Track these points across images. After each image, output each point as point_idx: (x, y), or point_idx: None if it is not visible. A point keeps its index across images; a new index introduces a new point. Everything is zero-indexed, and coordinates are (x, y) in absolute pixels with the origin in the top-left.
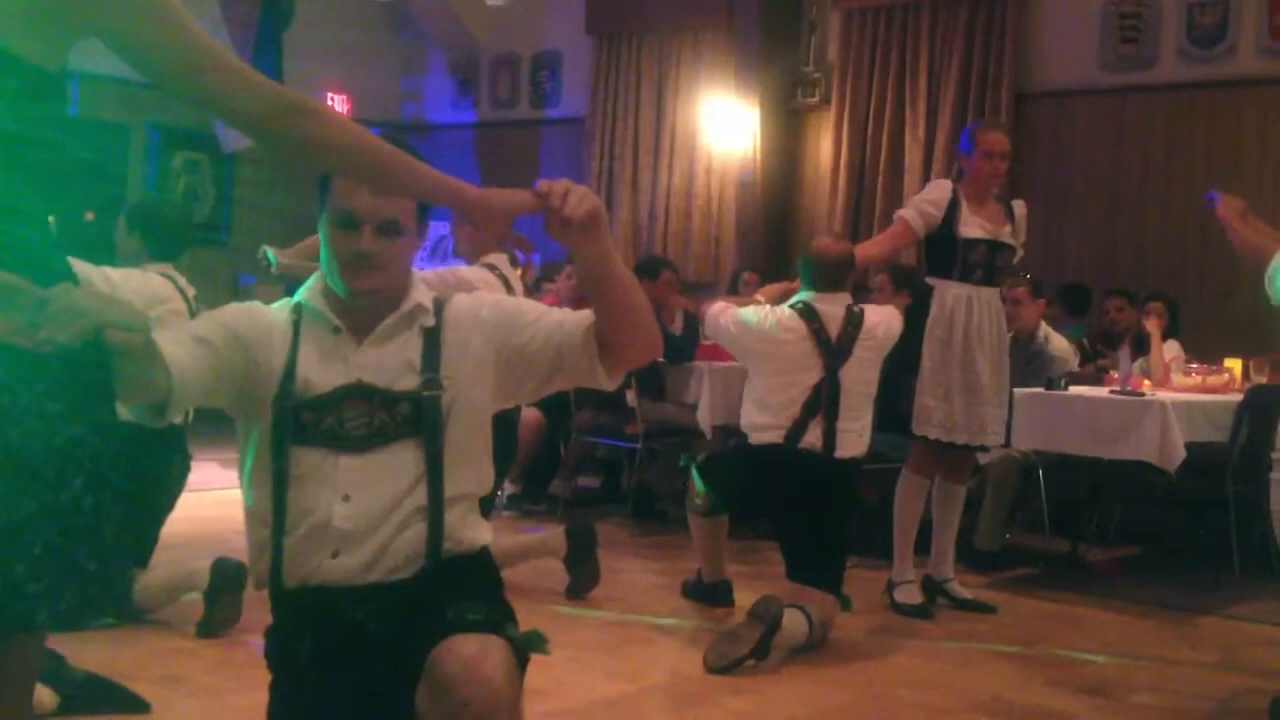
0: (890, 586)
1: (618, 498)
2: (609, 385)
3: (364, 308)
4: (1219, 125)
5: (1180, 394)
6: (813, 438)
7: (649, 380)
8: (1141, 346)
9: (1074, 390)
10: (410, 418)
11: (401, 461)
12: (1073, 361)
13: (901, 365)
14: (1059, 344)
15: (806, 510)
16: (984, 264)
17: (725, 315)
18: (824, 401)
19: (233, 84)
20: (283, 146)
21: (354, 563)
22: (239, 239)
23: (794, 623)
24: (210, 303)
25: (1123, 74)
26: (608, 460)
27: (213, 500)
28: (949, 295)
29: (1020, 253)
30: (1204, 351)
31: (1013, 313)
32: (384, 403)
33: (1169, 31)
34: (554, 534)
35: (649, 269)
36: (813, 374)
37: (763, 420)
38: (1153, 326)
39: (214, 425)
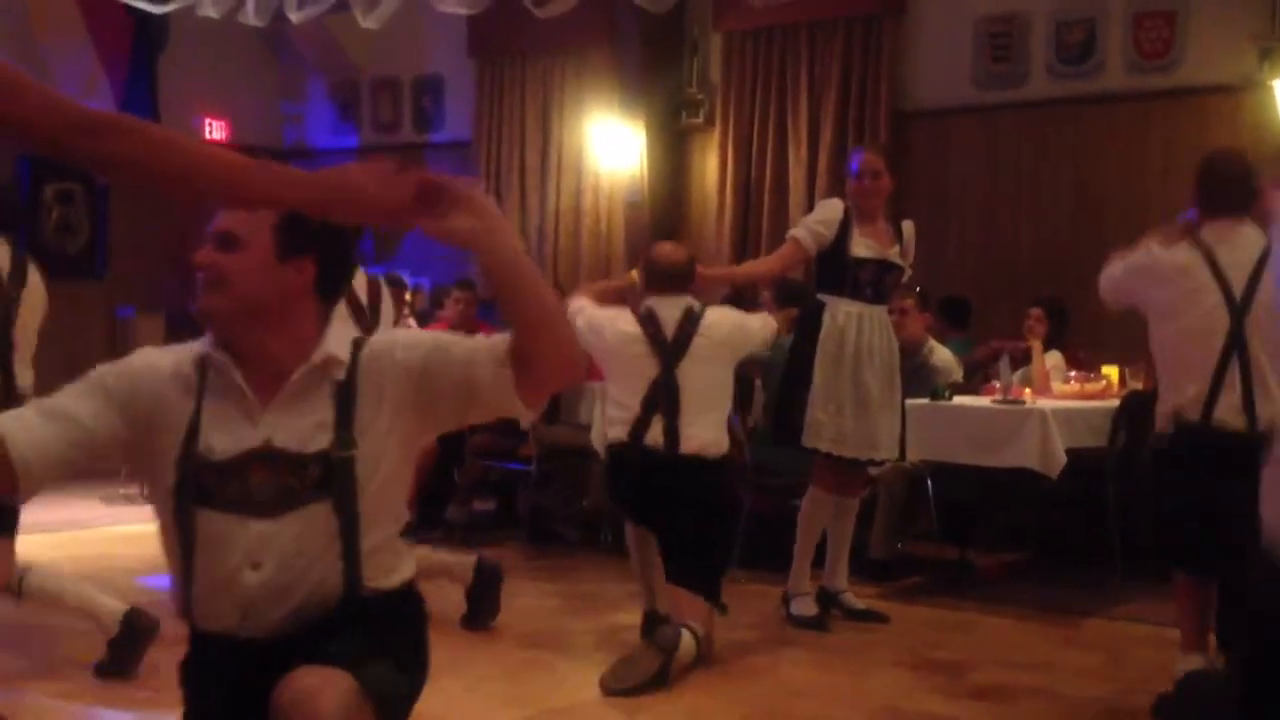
0: (786, 598)
1: (513, 521)
2: (527, 415)
3: (266, 359)
4: (1088, 140)
5: (1060, 401)
6: (655, 434)
7: None
8: (1024, 355)
9: (957, 400)
10: (320, 480)
11: (313, 524)
12: (957, 373)
13: (792, 380)
14: (943, 356)
15: (660, 508)
16: (874, 283)
17: (581, 317)
18: (662, 399)
19: (25, 102)
20: (88, 165)
21: (266, 625)
22: (115, 271)
23: (686, 644)
24: (85, 335)
25: (995, 91)
26: (502, 483)
27: (98, 537)
28: (840, 312)
29: (909, 273)
30: (1080, 359)
31: (899, 322)
32: (291, 466)
33: (1038, 50)
34: (463, 562)
35: None
36: (651, 372)
37: (613, 416)
38: (1033, 337)
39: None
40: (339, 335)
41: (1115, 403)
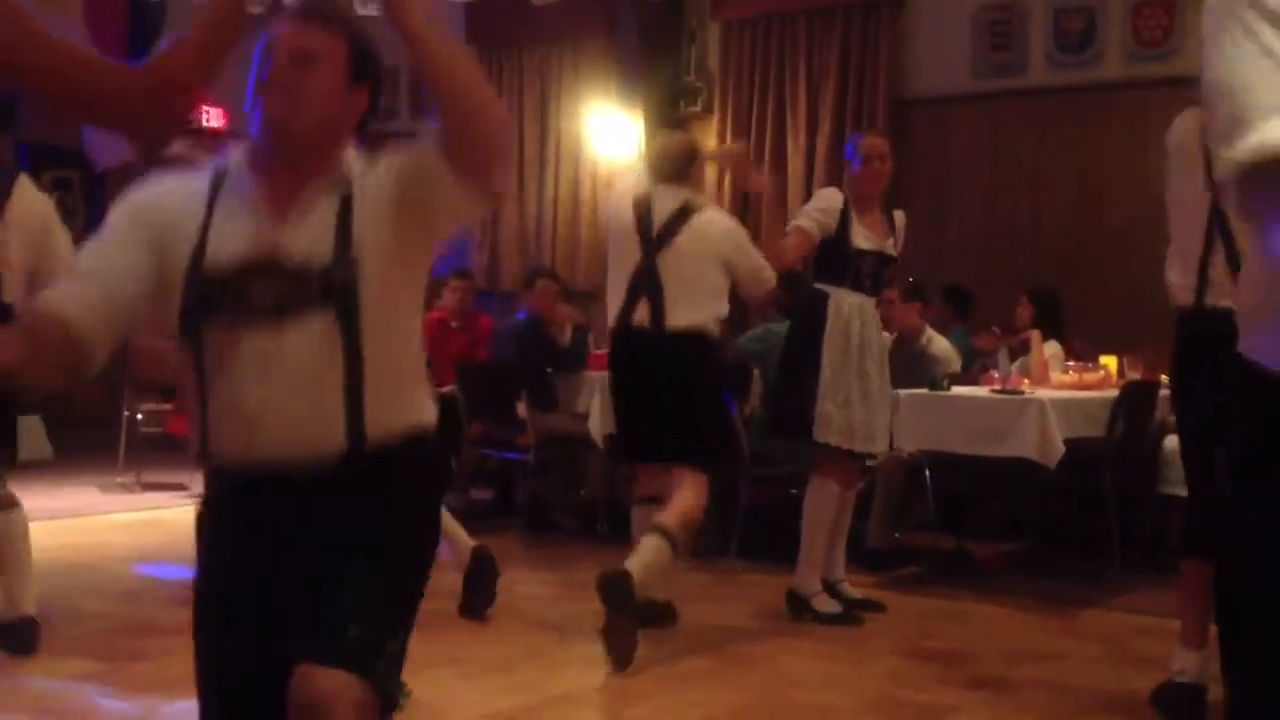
0: (795, 598)
1: (510, 510)
2: (478, 201)
3: (292, 177)
4: (1088, 128)
5: (1058, 391)
6: (641, 315)
7: (540, 391)
8: (1022, 345)
9: (955, 390)
10: (321, 292)
11: (315, 339)
12: (955, 363)
13: (795, 370)
14: (941, 346)
15: (648, 386)
16: (873, 274)
17: (614, 193)
18: (645, 286)
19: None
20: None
21: (273, 447)
22: None
23: (657, 558)
24: None
25: (994, 80)
26: (500, 472)
27: (95, 526)
28: (844, 303)
29: (897, 264)
30: (1079, 349)
31: (885, 314)
32: (292, 277)
33: (1037, 38)
34: (466, 542)
35: (525, 279)
36: (635, 259)
37: (611, 302)
38: (1018, 325)
39: (89, 450)
40: (351, 154)
41: (1114, 393)
